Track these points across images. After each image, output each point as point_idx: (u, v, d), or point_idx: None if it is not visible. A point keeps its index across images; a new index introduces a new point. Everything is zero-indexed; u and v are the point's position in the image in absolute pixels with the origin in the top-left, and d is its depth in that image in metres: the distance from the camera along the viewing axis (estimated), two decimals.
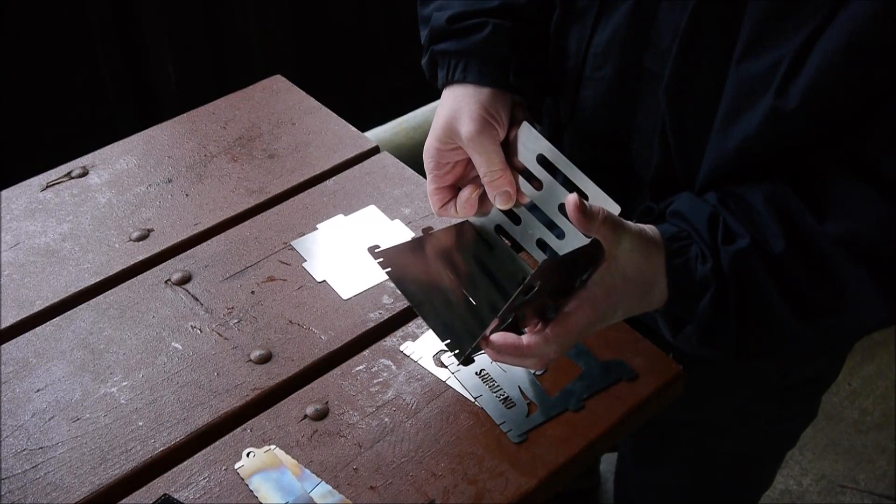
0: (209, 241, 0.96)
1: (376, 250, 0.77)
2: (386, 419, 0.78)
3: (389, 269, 0.77)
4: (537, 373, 0.80)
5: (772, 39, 0.63)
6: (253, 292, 0.90)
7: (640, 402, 0.79)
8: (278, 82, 1.19)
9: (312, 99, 1.16)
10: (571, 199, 0.63)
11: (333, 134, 1.09)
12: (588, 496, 1.58)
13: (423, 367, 0.82)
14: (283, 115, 1.13)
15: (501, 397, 0.78)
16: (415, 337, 0.85)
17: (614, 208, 0.66)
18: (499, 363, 0.78)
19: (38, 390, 0.81)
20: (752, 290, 0.66)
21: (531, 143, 0.74)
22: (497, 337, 0.67)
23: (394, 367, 0.82)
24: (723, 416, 1.00)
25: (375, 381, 0.81)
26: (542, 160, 0.74)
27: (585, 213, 0.63)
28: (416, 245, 0.79)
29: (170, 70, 1.65)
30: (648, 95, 0.75)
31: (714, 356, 0.71)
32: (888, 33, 0.58)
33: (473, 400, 0.78)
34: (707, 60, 0.68)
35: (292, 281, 0.91)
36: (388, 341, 0.85)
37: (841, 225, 0.63)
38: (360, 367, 0.82)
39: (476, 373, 0.80)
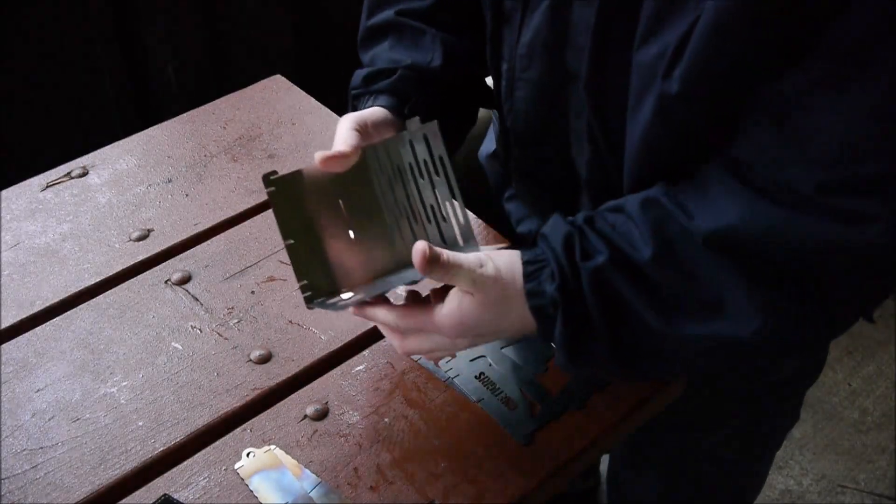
0: (209, 241, 0.96)
1: (272, 176, 0.74)
2: (386, 419, 0.78)
3: (277, 201, 0.74)
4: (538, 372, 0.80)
5: (663, 27, 0.64)
6: (253, 292, 0.90)
7: (640, 401, 0.79)
8: (278, 82, 1.19)
9: (312, 99, 1.16)
10: (419, 247, 0.64)
11: (333, 134, 1.09)
12: (588, 496, 1.58)
13: (423, 368, 0.82)
14: (283, 115, 1.13)
15: (503, 399, 0.78)
16: None
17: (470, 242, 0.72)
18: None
19: (38, 390, 0.81)
20: (615, 304, 0.66)
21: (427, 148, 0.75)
22: (393, 312, 0.70)
23: (394, 367, 0.82)
24: (703, 418, 1.00)
25: (375, 381, 0.81)
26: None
27: (428, 261, 0.64)
28: (317, 173, 0.76)
29: (170, 70, 1.65)
30: (574, 94, 0.77)
31: (598, 376, 0.74)
32: (745, 18, 0.59)
33: (476, 402, 0.78)
34: (617, 54, 0.69)
35: (292, 281, 0.90)
36: (388, 341, 0.85)
37: (710, 222, 0.64)
38: (360, 367, 0.82)
39: (476, 376, 0.80)
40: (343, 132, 0.76)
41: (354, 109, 0.87)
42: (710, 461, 1.06)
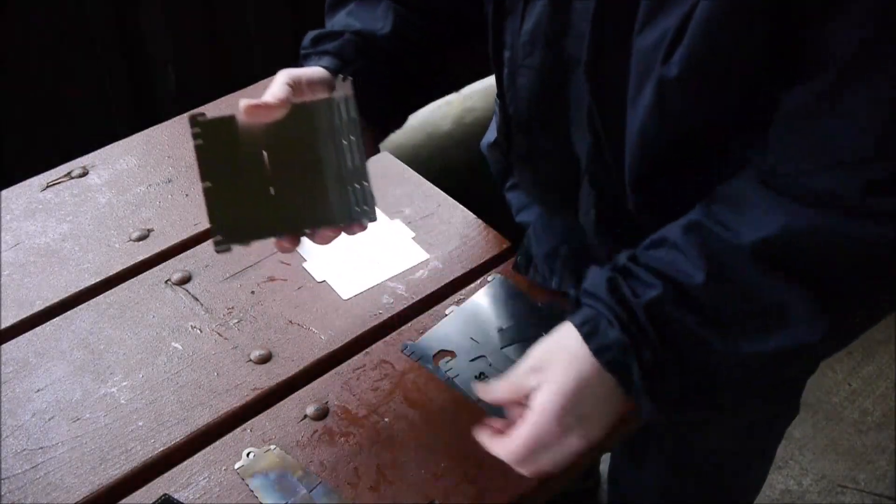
0: (209, 241, 0.96)
1: (199, 118, 0.75)
2: (386, 419, 0.78)
3: (200, 142, 0.75)
4: None
5: (663, 12, 0.64)
6: (253, 292, 0.90)
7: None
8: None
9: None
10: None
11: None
12: (588, 496, 1.58)
13: (423, 368, 0.82)
14: None
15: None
16: (415, 338, 0.85)
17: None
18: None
19: (38, 390, 0.81)
20: (680, 335, 0.65)
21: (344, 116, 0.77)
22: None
23: (394, 367, 0.82)
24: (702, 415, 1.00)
25: (375, 381, 0.81)
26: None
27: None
28: (247, 124, 0.77)
29: (170, 70, 1.65)
30: (575, 82, 0.77)
31: (686, 416, 0.74)
32: (743, 2, 0.60)
33: (476, 402, 0.78)
34: (617, 41, 0.69)
35: (292, 281, 0.91)
36: (388, 341, 0.85)
37: (754, 234, 0.64)
38: (360, 367, 0.82)
39: (476, 376, 0.80)
40: (275, 85, 0.77)
41: (301, 65, 0.87)
42: (711, 457, 1.06)
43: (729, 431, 1.03)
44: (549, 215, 0.95)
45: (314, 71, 0.82)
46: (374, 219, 0.77)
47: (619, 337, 0.65)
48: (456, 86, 1.72)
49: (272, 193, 0.78)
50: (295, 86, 0.78)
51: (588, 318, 0.67)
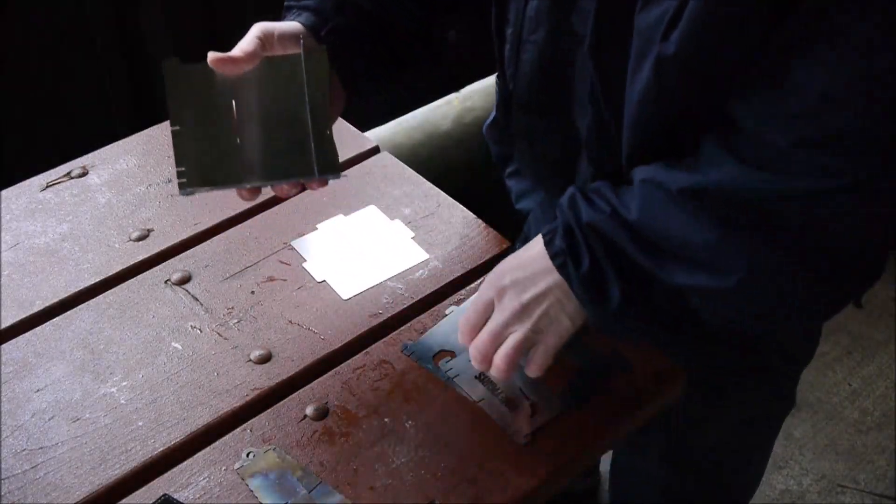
0: (209, 241, 0.96)
1: (171, 63, 0.78)
2: (386, 419, 0.78)
3: (172, 88, 0.78)
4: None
5: None
6: (253, 292, 0.90)
7: (641, 402, 0.79)
8: None
9: None
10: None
11: (333, 133, 1.09)
12: (588, 496, 1.58)
13: (423, 368, 0.82)
14: None
15: (503, 399, 0.78)
16: (415, 338, 0.85)
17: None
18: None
19: (38, 390, 0.81)
20: (615, 251, 0.72)
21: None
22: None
23: (394, 367, 0.82)
24: (698, 406, 1.00)
25: (375, 381, 0.81)
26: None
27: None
28: (215, 70, 0.79)
29: None
30: (579, 57, 0.78)
31: (630, 329, 0.79)
32: None
33: (476, 402, 0.78)
34: (620, 18, 0.71)
35: (292, 281, 0.91)
36: (388, 341, 0.85)
37: (687, 181, 0.69)
38: (360, 367, 0.82)
39: (476, 377, 0.80)
40: (246, 38, 0.80)
41: (283, 19, 0.89)
42: (710, 453, 1.06)
43: (726, 427, 1.03)
44: (546, 193, 0.95)
45: (288, 26, 0.83)
46: (337, 175, 0.81)
47: (561, 245, 0.73)
48: (456, 85, 1.73)
49: (238, 143, 0.81)
50: (266, 39, 0.80)
51: (551, 229, 0.75)
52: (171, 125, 0.78)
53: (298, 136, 0.81)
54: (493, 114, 1.00)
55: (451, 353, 0.82)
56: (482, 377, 0.80)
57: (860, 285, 0.74)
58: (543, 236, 0.75)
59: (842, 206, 0.66)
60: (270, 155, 0.82)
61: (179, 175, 0.79)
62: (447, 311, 0.87)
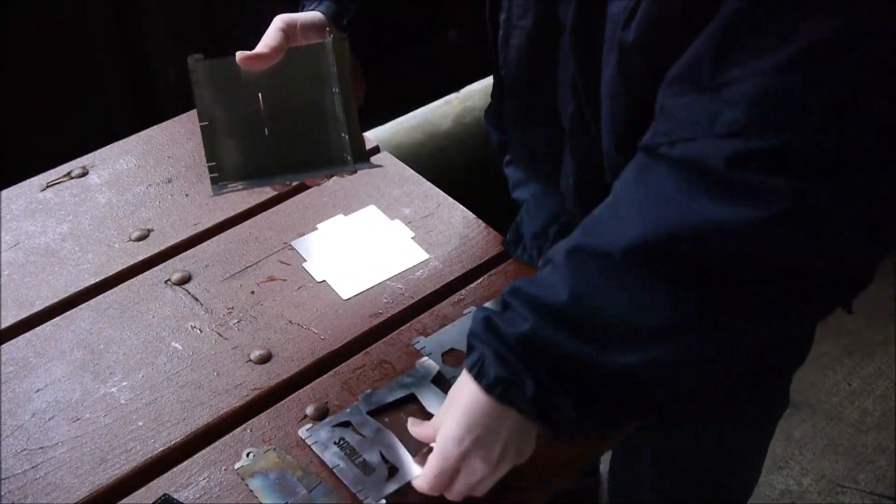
0: (209, 241, 0.96)
1: (198, 59, 0.78)
2: (386, 419, 0.78)
3: (197, 83, 0.78)
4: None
5: None
6: (253, 292, 0.90)
7: None
8: None
9: None
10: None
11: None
12: (588, 496, 1.58)
13: (423, 368, 0.82)
14: None
15: (360, 464, 0.74)
16: (415, 337, 0.85)
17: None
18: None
19: (38, 390, 0.81)
20: (552, 357, 0.65)
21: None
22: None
23: (394, 367, 0.82)
24: (689, 408, 1.00)
25: (375, 381, 0.81)
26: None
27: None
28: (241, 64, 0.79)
29: (170, 70, 1.65)
30: (563, 46, 0.78)
31: (596, 434, 0.73)
32: None
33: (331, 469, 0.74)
34: (599, 7, 0.70)
35: (292, 281, 0.91)
36: (388, 341, 0.85)
37: (623, 242, 0.61)
38: (360, 367, 0.82)
39: (335, 442, 0.76)
40: (271, 31, 0.80)
41: (301, 7, 0.89)
42: (705, 453, 1.06)
43: (720, 429, 1.03)
44: (538, 183, 0.95)
45: (310, 16, 0.83)
46: (371, 164, 0.81)
47: (499, 373, 0.65)
48: (456, 85, 1.73)
49: (266, 134, 0.81)
50: (289, 31, 0.80)
51: (475, 361, 0.67)
52: (200, 121, 0.78)
53: (327, 126, 0.82)
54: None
55: (462, 354, 0.80)
56: (341, 442, 0.76)
57: (843, 298, 0.68)
58: (469, 370, 0.67)
59: (790, 237, 0.58)
60: (301, 147, 0.82)
61: (211, 170, 0.79)
62: (465, 312, 0.86)
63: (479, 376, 0.67)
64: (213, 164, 0.79)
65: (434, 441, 0.69)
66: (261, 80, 0.80)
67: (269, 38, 0.79)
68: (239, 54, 0.77)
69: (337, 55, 0.79)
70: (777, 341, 0.69)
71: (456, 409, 0.68)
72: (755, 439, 1.09)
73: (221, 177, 0.80)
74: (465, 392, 0.68)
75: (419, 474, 0.70)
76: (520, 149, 0.95)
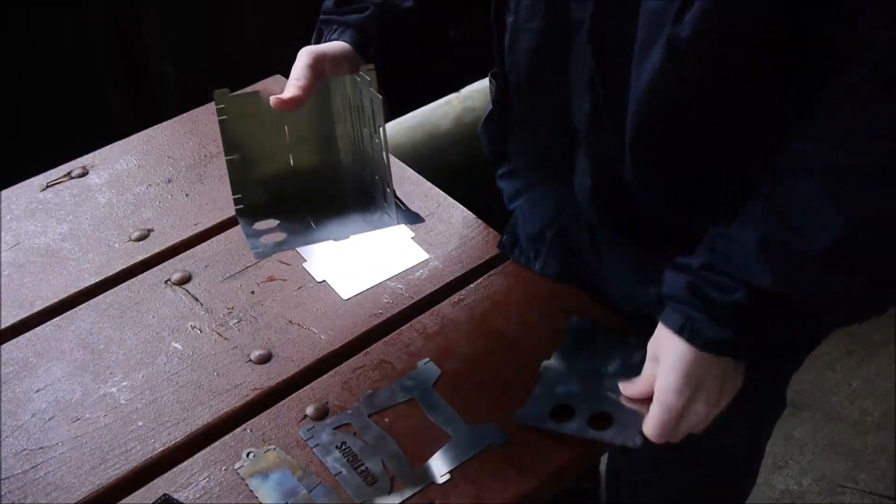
0: (209, 241, 0.96)
1: (224, 94, 0.78)
2: (386, 419, 0.78)
3: (224, 118, 0.78)
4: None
5: None
6: (253, 292, 0.90)
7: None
8: (278, 82, 1.19)
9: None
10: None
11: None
12: (588, 496, 1.58)
13: (424, 369, 0.82)
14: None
15: (362, 472, 0.73)
16: (415, 337, 0.85)
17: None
18: None
19: (38, 390, 0.81)
20: (766, 318, 0.72)
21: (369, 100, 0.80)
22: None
23: (393, 367, 0.82)
24: None
25: (375, 381, 0.81)
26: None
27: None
28: (269, 95, 0.80)
29: (170, 70, 1.65)
30: (577, 45, 0.77)
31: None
32: None
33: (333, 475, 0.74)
34: (624, 3, 0.70)
35: (292, 281, 0.91)
36: (388, 341, 0.85)
37: (824, 243, 0.67)
38: (360, 367, 0.82)
39: (337, 446, 0.75)
40: (301, 68, 0.80)
41: (319, 34, 0.89)
42: (701, 455, 1.06)
43: (716, 431, 1.02)
44: (541, 187, 0.94)
45: (337, 47, 0.83)
46: (419, 219, 0.82)
47: (718, 332, 0.72)
48: (457, 85, 1.72)
49: (291, 164, 0.82)
50: (318, 66, 0.80)
51: (683, 323, 0.73)
52: (226, 154, 0.79)
53: (349, 155, 0.83)
54: (490, 109, 1.00)
55: (570, 411, 0.78)
56: (343, 447, 0.75)
57: None
58: (679, 332, 0.73)
59: None
60: (322, 175, 0.84)
61: (236, 202, 0.80)
62: (540, 369, 0.82)
63: (691, 337, 0.72)
64: (239, 196, 0.80)
65: (644, 395, 0.76)
66: (286, 113, 0.79)
67: (301, 78, 0.79)
68: (273, 100, 0.77)
69: (367, 89, 0.78)
70: None
71: (670, 366, 0.74)
72: (752, 441, 1.09)
73: (247, 210, 0.81)
74: (675, 350, 0.73)
75: (646, 425, 0.76)
76: (525, 152, 0.94)
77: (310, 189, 0.83)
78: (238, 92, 0.79)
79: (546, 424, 0.76)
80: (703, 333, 0.72)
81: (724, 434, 1.03)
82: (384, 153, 0.78)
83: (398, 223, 0.81)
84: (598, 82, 0.75)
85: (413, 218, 0.82)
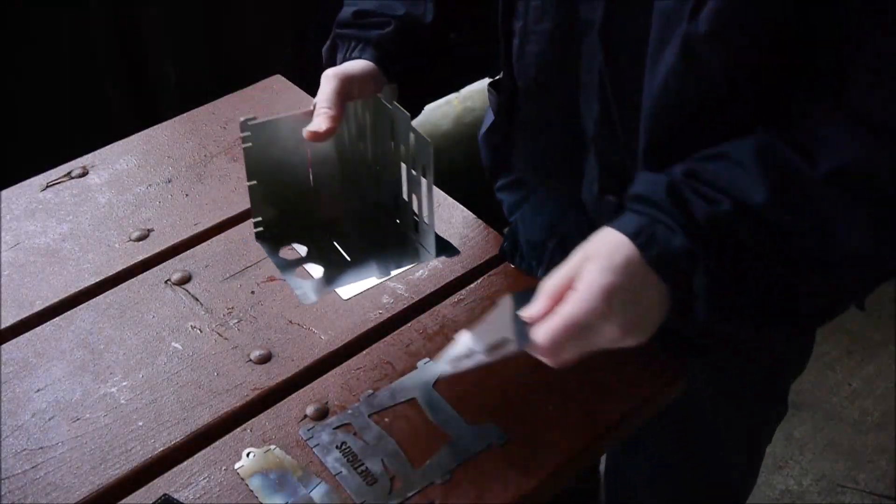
0: (209, 241, 0.96)
1: (249, 122, 0.78)
2: (386, 419, 0.78)
3: (249, 145, 0.78)
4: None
5: None
6: (253, 292, 0.90)
7: (640, 402, 0.79)
8: (278, 82, 1.19)
9: (312, 99, 1.15)
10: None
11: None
12: (588, 496, 1.58)
13: (424, 370, 0.82)
14: None
15: (362, 472, 0.73)
16: (416, 338, 0.85)
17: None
18: None
19: (38, 390, 0.81)
20: (736, 246, 0.64)
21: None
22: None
23: (394, 367, 0.82)
24: (688, 412, 0.99)
25: (375, 381, 0.81)
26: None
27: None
28: (293, 120, 0.80)
29: (170, 70, 1.65)
30: (587, 46, 0.76)
31: (731, 329, 0.70)
32: None
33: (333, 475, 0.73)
34: (635, 2, 0.69)
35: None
36: (388, 341, 0.85)
37: (831, 162, 0.62)
38: (360, 368, 0.82)
39: (337, 446, 0.75)
40: (328, 95, 0.79)
41: (332, 47, 0.88)
42: (701, 458, 1.06)
43: (718, 433, 1.02)
44: (545, 194, 0.94)
45: (361, 68, 0.83)
46: (455, 252, 0.83)
47: (684, 244, 0.63)
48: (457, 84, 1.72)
49: (311, 185, 0.83)
50: (345, 91, 0.80)
51: (643, 227, 0.64)
52: (248, 179, 0.79)
53: (371, 177, 0.84)
54: (491, 119, 0.99)
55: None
56: (343, 447, 0.75)
57: None
58: (634, 236, 0.64)
59: None
60: (342, 195, 0.85)
61: (256, 225, 0.81)
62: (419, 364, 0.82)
63: (646, 245, 0.63)
64: (259, 219, 0.81)
65: (559, 291, 0.65)
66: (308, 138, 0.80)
67: (331, 106, 0.78)
68: (306, 133, 0.77)
69: (394, 110, 0.78)
70: None
71: (605, 266, 0.63)
72: (751, 445, 1.09)
73: (266, 232, 0.82)
74: (617, 253, 0.64)
75: (540, 325, 0.64)
76: (530, 159, 0.94)
77: (332, 210, 0.85)
78: (262, 119, 0.78)
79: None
80: (665, 242, 0.63)
81: (725, 435, 1.04)
82: (429, 195, 0.78)
83: (436, 256, 0.81)
84: (609, 84, 0.74)
85: (450, 251, 0.82)
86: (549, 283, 0.66)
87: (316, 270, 0.92)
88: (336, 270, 0.81)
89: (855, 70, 0.63)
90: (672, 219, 0.64)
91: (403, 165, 0.80)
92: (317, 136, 0.77)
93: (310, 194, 0.83)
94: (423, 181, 0.79)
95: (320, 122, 0.78)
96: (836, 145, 0.62)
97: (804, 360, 1.01)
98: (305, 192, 0.83)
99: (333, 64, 0.89)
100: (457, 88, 0.92)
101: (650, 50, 0.69)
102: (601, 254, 0.64)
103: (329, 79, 0.80)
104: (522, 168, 0.97)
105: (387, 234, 0.84)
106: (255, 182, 0.79)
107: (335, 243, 0.84)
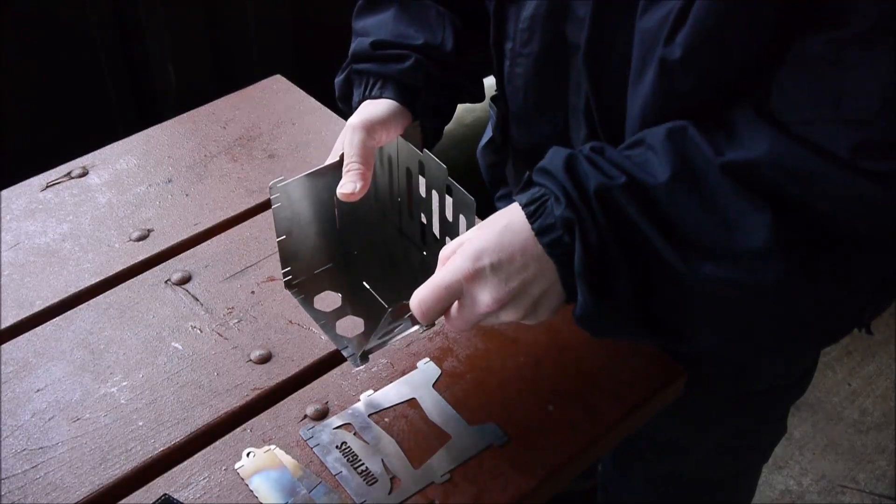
0: (209, 241, 0.96)
1: (279, 184, 0.77)
2: (386, 419, 0.78)
3: (279, 205, 0.78)
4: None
5: None
6: (253, 292, 0.90)
7: (641, 401, 0.79)
8: (278, 82, 1.19)
9: (312, 99, 1.16)
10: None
11: (333, 134, 1.09)
12: (588, 496, 1.58)
13: (424, 370, 0.82)
14: (283, 115, 1.13)
15: (362, 473, 0.73)
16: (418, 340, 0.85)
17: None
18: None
19: (38, 390, 0.81)
20: (630, 233, 0.62)
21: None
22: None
23: (393, 367, 0.82)
24: (681, 433, 0.99)
25: (375, 381, 0.81)
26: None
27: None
28: (321, 174, 0.80)
29: (170, 70, 1.65)
30: (574, 69, 0.76)
31: (620, 328, 0.66)
32: None
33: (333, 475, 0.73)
34: (618, 24, 0.68)
35: None
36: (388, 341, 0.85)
37: (736, 154, 0.61)
38: (361, 367, 0.82)
39: (337, 446, 0.75)
40: (356, 149, 0.77)
41: (348, 82, 0.86)
42: (696, 475, 1.05)
43: (709, 454, 1.02)
44: None
45: (383, 110, 0.80)
46: None
47: (564, 214, 0.62)
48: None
49: (337, 226, 0.84)
50: (372, 140, 0.78)
51: (535, 198, 0.64)
52: (277, 236, 0.79)
53: (397, 219, 0.85)
54: (489, 134, 0.99)
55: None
56: (343, 447, 0.75)
57: None
58: (525, 205, 0.64)
59: None
60: (382, 230, 0.86)
61: (285, 275, 0.82)
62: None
63: (534, 213, 0.63)
64: (288, 269, 0.82)
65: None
66: (334, 185, 0.79)
67: (361, 163, 0.77)
68: (340, 195, 0.76)
69: (452, 184, 0.76)
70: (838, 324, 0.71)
71: (489, 230, 0.64)
72: (746, 465, 1.09)
73: (293, 280, 0.83)
74: (505, 216, 0.64)
75: (423, 286, 0.65)
76: (523, 177, 0.94)
77: (358, 247, 0.86)
78: (291, 179, 0.77)
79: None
80: (549, 211, 0.63)
81: (713, 459, 1.03)
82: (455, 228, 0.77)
83: None
84: (594, 107, 0.74)
85: None
86: (443, 250, 0.67)
87: (355, 324, 0.85)
88: (375, 321, 0.79)
89: (776, 69, 0.62)
90: (561, 190, 0.63)
91: (435, 198, 0.78)
92: (351, 197, 0.76)
93: (335, 236, 0.84)
94: (456, 219, 0.77)
95: (354, 183, 0.76)
96: (742, 139, 0.62)
97: (804, 385, 1.00)
98: (331, 235, 0.83)
99: (349, 97, 0.86)
100: (479, 101, 0.91)
101: (632, 73, 0.68)
102: (489, 221, 0.65)
103: (355, 130, 0.78)
104: (515, 185, 0.97)
105: (415, 270, 0.84)
106: (284, 237, 0.80)
107: (366, 285, 0.84)
